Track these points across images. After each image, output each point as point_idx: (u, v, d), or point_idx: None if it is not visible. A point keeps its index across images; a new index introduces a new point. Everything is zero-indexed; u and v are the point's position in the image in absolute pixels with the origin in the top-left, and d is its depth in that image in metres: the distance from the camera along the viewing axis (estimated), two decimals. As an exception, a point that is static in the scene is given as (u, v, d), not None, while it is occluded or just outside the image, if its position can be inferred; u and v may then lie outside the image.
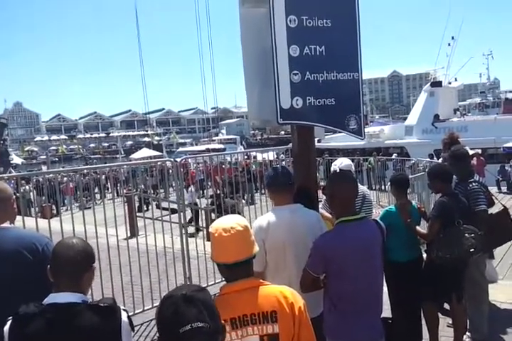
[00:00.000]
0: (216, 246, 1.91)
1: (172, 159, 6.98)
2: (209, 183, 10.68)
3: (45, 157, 49.06)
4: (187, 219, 8.95)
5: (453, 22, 29.31)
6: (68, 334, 1.73)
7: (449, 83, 27.75)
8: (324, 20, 3.13)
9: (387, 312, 3.62)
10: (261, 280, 1.93)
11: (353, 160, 15.98)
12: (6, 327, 1.76)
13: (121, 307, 1.88)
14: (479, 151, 11.14)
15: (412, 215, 3.88)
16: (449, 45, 28.17)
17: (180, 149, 49.35)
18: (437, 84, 26.92)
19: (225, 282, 1.96)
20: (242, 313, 1.81)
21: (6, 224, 2.42)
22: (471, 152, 4.69)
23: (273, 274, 2.78)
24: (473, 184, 3.98)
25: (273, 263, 2.80)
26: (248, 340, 1.82)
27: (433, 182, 3.93)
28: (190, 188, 9.84)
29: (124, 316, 1.83)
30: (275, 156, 9.06)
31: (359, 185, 4.35)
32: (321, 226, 2.94)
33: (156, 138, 76.30)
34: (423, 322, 3.92)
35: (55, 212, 12.94)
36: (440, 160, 7.03)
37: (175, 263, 5.36)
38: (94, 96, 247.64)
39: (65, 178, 14.70)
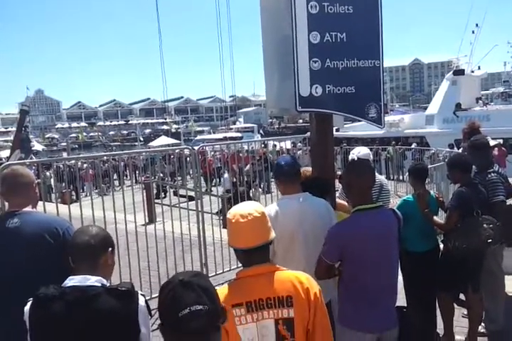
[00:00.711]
0: (233, 232, 1.95)
1: (190, 147, 7.02)
2: (226, 171, 10.73)
3: (65, 144, 49.82)
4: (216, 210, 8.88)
5: (477, 9, 28.45)
6: (86, 316, 1.77)
7: (472, 71, 27.09)
8: (346, 7, 3.07)
9: (401, 301, 3.61)
10: (277, 266, 1.96)
11: (371, 150, 15.86)
12: (26, 308, 1.82)
13: (139, 291, 1.92)
14: (501, 141, 10.90)
15: (430, 205, 3.84)
16: (473, 32, 27.46)
17: (198, 137, 49.46)
18: (460, 72, 26.31)
19: (239, 269, 2.00)
20: (258, 297, 1.84)
21: (29, 209, 2.48)
22: (492, 142, 4.59)
23: (281, 263, 2.80)
24: (492, 174, 3.91)
25: (281, 253, 2.81)
26: (263, 324, 1.85)
27: (452, 172, 3.88)
28: (225, 175, 9.80)
29: (141, 300, 1.87)
30: (292, 145, 9.03)
31: (376, 174, 4.34)
32: (330, 215, 2.92)
33: (175, 126, 76.72)
34: (438, 312, 3.91)
35: (74, 197, 13.17)
36: (460, 150, 6.93)
37: (191, 250, 5.43)
38: (114, 84, 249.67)
39: (85, 165, 14.91)
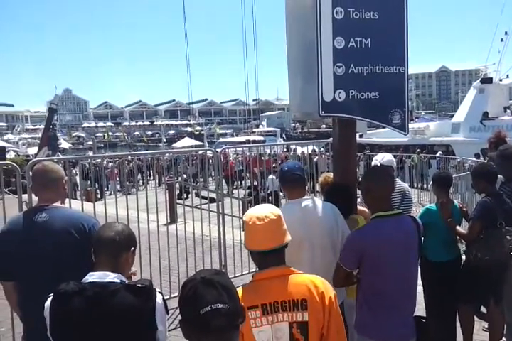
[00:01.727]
0: (250, 234, 1.96)
1: (213, 149, 7.08)
2: (247, 174, 10.76)
3: (91, 143, 50.72)
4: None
5: (507, 17, 27.84)
6: (105, 312, 1.81)
7: (500, 80, 26.54)
8: (371, 13, 3.08)
9: (421, 311, 3.57)
10: (292, 269, 1.96)
11: (395, 157, 15.70)
12: (47, 304, 1.85)
13: (157, 289, 1.95)
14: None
15: (453, 215, 3.79)
16: (502, 40, 26.89)
17: (221, 140, 49.73)
18: (488, 80, 25.83)
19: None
20: (273, 300, 1.84)
21: (58, 204, 2.54)
22: None
23: None
24: (521, 185, 3.83)
25: (288, 258, 2.81)
26: (278, 326, 1.85)
27: (476, 181, 3.82)
28: (270, 176, 9.70)
29: (159, 298, 1.90)
30: (312, 150, 9.00)
31: (400, 181, 4.30)
32: (336, 219, 2.88)
33: (198, 128, 77.28)
34: (458, 324, 3.84)
35: (99, 196, 13.40)
36: (486, 160, 6.80)
37: (211, 251, 5.47)
38: (140, 85, 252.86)
39: (110, 164, 15.17)
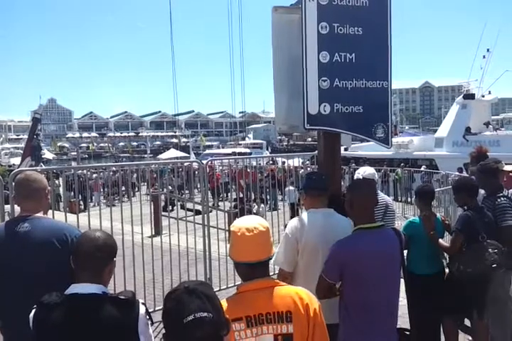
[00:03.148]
0: (238, 245, 1.95)
1: (199, 160, 7.08)
2: (233, 186, 10.77)
3: (75, 153, 50.28)
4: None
5: (489, 34, 28.59)
6: (86, 324, 1.79)
7: (483, 96, 27.16)
8: (356, 28, 3.15)
9: (405, 325, 3.57)
10: (277, 281, 1.96)
11: (379, 171, 15.88)
12: (31, 315, 1.84)
13: (141, 301, 1.94)
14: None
15: (436, 228, 3.83)
16: (484, 57, 27.58)
17: (207, 151, 49.74)
18: (470, 96, 26.40)
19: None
20: (258, 312, 1.83)
21: (40, 214, 2.51)
22: (508, 167, 4.56)
23: (302, 276, 2.81)
24: (502, 199, 3.90)
25: (303, 265, 2.82)
26: (263, 339, 1.84)
27: (458, 195, 3.88)
28: (288, 187, 9.47)
29: (142, 309, 1.88)
30: (300, 162, 9.06)
31: (382, 194, 4.35)
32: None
33: (184, 139, 77.20)
34: (442, 337, 3.85)
35: (82, 207, 13.23)
36: (468, 174, 6.90)
37: (196, 264, 5.43)
38: (126, 96, 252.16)
39: (94, 175, 15.03)
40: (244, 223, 1.96)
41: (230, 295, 1.96)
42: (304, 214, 3.00)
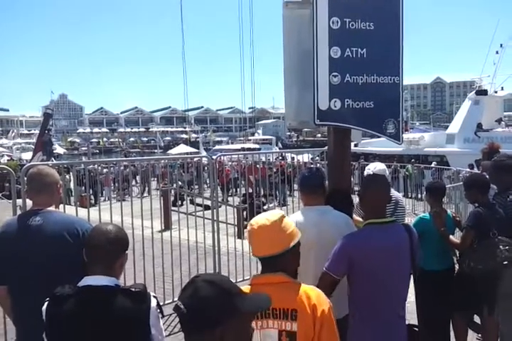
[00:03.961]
0: (249, 240, 1.99)
1: (208, 156, 7.10)
2: (242, 182, 10.79)
3: (86, 148, 50.59)
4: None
5: (502, 29, 28.19)
6: (99, 316, 1.81)
7: (495, 92, 26.85)
8: (367, 23, 3.12)
9: (414, 321, 3.57)
10: (289, 278, 1.94)
11: (390, 167, 15.81)
12: (44, 308, 1.87)
13: (152, 294, 1.96)
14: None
15: (447, 224, 3.81)
16: (497, 53, 27.23)
17: (216, 147, 49.83)
18: (482, 92, 26.11)
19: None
20: None
21: (52, 208, 2.55)
22: None
23: None
24: (514, 195, 3.86)
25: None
26: (267, 332, 1.86)
27: (469, 192, 3.86)
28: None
29: (153, 302, 1.91)
30: (310, 158, 9.05)
31: (393, 190, 4.32)
32: (350, 229, 2.88)
33: (194, 135, 77.37)
34: (452, 334, 3.84)
35: (93, 202, 13.34)
36: (480, 169, 6.85)
37: (206, 258, 5.46)
38: (136, 92, 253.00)
39: (105, 170, 15.13)
40: (258, 218, 1.97)
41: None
42: (298, 213, 2.98)
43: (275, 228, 1.93)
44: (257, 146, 45.96)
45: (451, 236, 3.81)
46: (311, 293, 1.90)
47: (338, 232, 2.77)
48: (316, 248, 2.77)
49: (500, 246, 3.48)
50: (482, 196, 3.73)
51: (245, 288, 1.94)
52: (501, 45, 27.27)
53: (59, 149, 45.70)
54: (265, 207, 7.42)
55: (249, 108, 79.14)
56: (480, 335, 3.99)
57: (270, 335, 1.86)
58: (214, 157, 6.36)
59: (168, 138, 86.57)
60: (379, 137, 3.51)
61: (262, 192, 8.65)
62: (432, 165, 19.06)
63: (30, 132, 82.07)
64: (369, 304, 2.52)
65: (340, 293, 2.58)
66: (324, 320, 1.85)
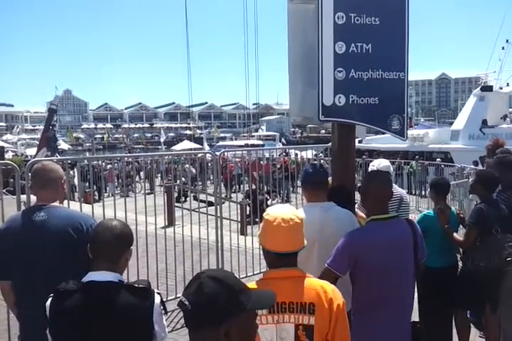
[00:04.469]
0: (272, 235, 1.94)
1: (212, 152, 7.09)
2: (246, 178, 10.78)
3: (90, 144, 50.72)
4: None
5: (508, 25, 27.97)
6: (103, 311, 1.82)
7: (501, 88, 26.68)
8: (373, 18, 3.10)
9: (415, 318, 3.56)
10: (304, 272, 1.95)
11: (394, 163, 15.75)
12: (48, 303, 1.87)
13: (156, 290, 1.96)
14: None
15: (451, 221, 3.80)
16: (503, 48, 27.02)
17: (220, 143, 49.79)
18: (488, 88, 25.94)
19: (255, 276, 2.00)
20: (281, 300, 1.84)
21: (56, 203, 2.55)
22: None
23: None
24: (518, 193, 3.84)
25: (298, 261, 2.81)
26: (283, 327, 1.86)
27: (476, 185, 3.83)
28: None
29: (157, 298, 1.91)
30: (314, 155, 9.04)
31: (396, 187, 4.31)
32: (353, 226, 2.88)
33: (198, 131, 77.37)
34: (454, 330, 3.84)
35: (96, 197, 13.38)
36: (484, 167, 6.82)
37: (209, 255, 5.46)
38: (141, 87, 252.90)
39: (109, 166, 15.15)
40: (281, 213, 1.95)
41: (257, 279, 1.97)
42: (301, 209, 2.96)
43: (302, 225, 1.96)
44: (260, 142, 45.90)
45: (454, 234, 3.80)
46: (327, 287, 1.91)
47: (341, 229, 2.77)
48: (319, 244, 2.77)
49: (504, 243, 3.46)
50: (486, 193, 3.71)
51: (258, 281, 1.93)
52: (507, 41, 27.06)
53: (63, 145, 45.79)
54: (268, 203, 7.41)
55: (254, 104, 79.03)
56: (482, 332, 3.99)
57: (286, 329, 1.86)
58: (218, 153, 6.35)
59: (172, 134, 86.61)
60: (383, 133, 3.49)
61: (266, 189, 8.63)
62: (437, 161, 18.96)
63: (35, 128, 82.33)
64: (373, 300, 2.51)
65: (342, 290, 2.57)
66: (339, 314, 1.87)
